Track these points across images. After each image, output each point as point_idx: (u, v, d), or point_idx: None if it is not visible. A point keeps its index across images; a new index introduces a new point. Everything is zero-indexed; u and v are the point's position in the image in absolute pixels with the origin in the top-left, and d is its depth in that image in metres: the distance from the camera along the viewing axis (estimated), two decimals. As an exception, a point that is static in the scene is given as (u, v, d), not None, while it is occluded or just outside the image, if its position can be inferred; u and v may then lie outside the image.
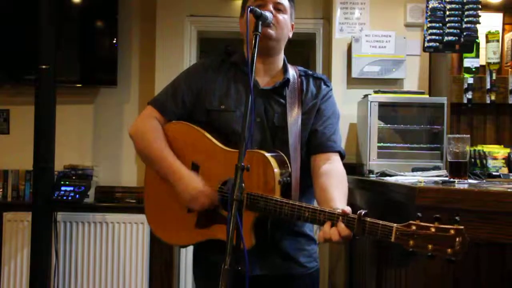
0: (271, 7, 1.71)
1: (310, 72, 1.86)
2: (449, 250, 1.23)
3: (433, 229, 1.26)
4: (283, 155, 1.64)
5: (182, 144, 1.74)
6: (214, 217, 1.64)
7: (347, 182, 1.68)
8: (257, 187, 1.55)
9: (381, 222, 1.33)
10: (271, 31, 1.71)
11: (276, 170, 1.55)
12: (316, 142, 1.74)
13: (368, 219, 1.35)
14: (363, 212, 1.36)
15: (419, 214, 1.30)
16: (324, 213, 1.42)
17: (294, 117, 1.71)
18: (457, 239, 1.23)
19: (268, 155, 1.58)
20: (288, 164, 1.63)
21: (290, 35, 1.84)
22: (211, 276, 1.71)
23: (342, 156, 1.77)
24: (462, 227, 1.24)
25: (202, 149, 1.70)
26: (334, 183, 1.61)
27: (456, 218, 1.25)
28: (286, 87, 1.76)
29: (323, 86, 1.82)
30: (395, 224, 1.31)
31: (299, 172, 1.66)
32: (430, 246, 1.26)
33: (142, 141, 1.77)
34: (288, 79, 1.77)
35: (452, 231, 1.24)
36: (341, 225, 1.38)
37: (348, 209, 1.41)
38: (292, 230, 1.76)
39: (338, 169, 1.69)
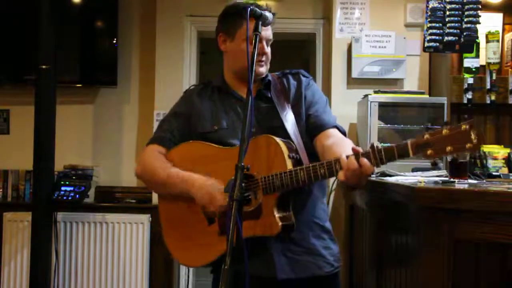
0: (264, 43, 1.75)
1: (287, 71, 1.90)
2: (468, 145, 1.26)
3: (445, 131, 1.28)
4: (289, 140, 1.67)
5: (190, 161, 1.76)
6: None
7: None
8: (269, 169, 1.57)
9: (394, 145, 1.38)
10: (263, 69, 1.77)
11: (284, 147, 1.59)
12: (311, 125, 1.78)
13: (381, 147, 1.39)
14: (374, 143, 1.40)
15: (428, 125, 1.33)
16: (338, 160, 1.44)
17: (286, 113, 1.75)
18: (472, 133, 1.25)
19: (272, 136, 1.61)
20: (294, 144, 1.66)
21: None
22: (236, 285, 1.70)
23: (341, 132, 1.80)
24: (472, 120, 1.26)
25: (208, 158, 1.72)
26: (341, 147, 1.61)
27: (465, 115, 1.28)
28: (270, 89, 1.80)
29: (302, 78, 1.86)
30: (408, 140, 1.34)
31: (305, 154, 1.68)
32: (448, 148, 1.27)
33: (148, 175, 1.81)
34: (269, 80, 1.82)
35: (464, 127, 1.26)
36: (362, 159, 1.40)
37: (359, 148, 1.44)
38: (314, 222, 1.76)
39: (342, 139, 1.72)
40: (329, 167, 1.47)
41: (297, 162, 1.61)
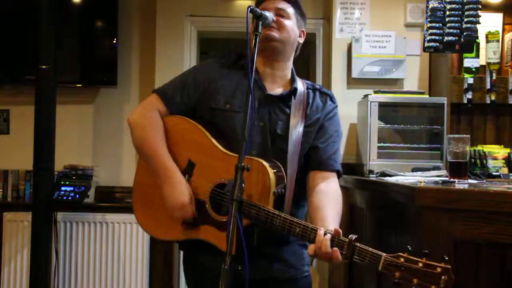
0: (273, 13, 1.71)
1: (318, 87, 1.86)
2: (433, 287, 1.26)
3: (420, 264, 1.28)
4: (280, 166, 1.64)
5: (181, 139, 1.73)
6: (202, 218, 1.64)
7: (341, 203, 1.68)
8: (252, 195, 1.54)
9: (370, 249, 1.35)
10: (273, 33, 1.71)
11: (273, 181, 1.55)
12: (316, 159, 1.74)
13: (358, 244, 1.37)
14: (354, 237, 1.38)
15: (408, 247, 1.32)
16: (315, 232, 1.43)
17: (296, 127, 1.71)
18: (443, 277, 1.25)
19: (266, 164, 1.57)
20: (285, 176, 1.63)
21: (301, 41, 1.84)
22: (201, 277, 1.71)
23: (339, 176, 1.78)
24: (449, 266, 1.26)
25: (200, 148, 1.69)
26: (329, 203, 1.62)
27: (445, 257, 1.27)
28: (293, 97, 1.75)
29: (329, 102, 1.82)
30: (384, 254, 1.33)
31: (294, 183, 1.65)
32: (415, 280, 1.28)
33: (139, 133, 1.76)
34: (296, 89, 1.77)
35: (438, 269, 1.26)
36: (334, 249, 1.39)
37: (340, 231, 1.42)
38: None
39: (334, 189, 1.70)
40: (304, 233, 1.45)
41: (279, 197, 1.57)
